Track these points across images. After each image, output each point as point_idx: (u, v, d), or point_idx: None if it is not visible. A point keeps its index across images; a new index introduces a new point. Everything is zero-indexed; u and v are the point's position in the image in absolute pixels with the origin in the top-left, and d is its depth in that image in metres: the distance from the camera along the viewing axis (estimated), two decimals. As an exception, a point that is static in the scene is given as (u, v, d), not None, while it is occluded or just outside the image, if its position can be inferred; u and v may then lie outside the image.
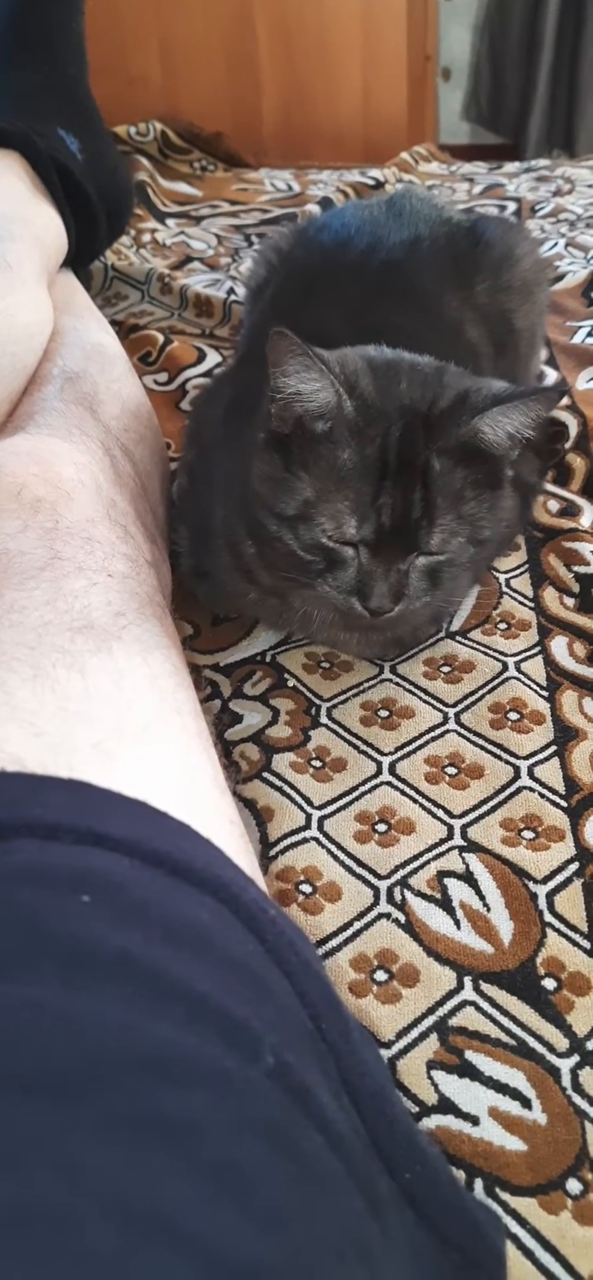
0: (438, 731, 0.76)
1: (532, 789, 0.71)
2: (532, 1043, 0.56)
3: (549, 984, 0.59)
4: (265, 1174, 0.32)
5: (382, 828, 0.69)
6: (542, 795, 0.71)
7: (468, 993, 0.59)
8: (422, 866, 0.66)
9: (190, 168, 2.13)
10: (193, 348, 1.29)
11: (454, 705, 0.79)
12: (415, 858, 0.67)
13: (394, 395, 0.68)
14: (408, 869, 0.66)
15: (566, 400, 1.13)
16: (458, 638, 0.85)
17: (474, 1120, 0.53)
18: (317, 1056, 0.40)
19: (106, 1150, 0.30)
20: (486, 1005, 0.58)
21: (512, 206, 1.80)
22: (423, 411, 0.68)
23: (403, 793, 0.72)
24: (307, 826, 0.69)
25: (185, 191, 1.98)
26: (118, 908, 0.37)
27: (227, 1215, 0.30)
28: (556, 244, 1.57)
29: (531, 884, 0.65)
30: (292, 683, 0.81)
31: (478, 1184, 0.50)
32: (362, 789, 0.72)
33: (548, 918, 0.63)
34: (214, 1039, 0.34)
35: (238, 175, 2.12)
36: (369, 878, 0.66)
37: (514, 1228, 0.49)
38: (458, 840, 0.68)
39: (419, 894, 0.64)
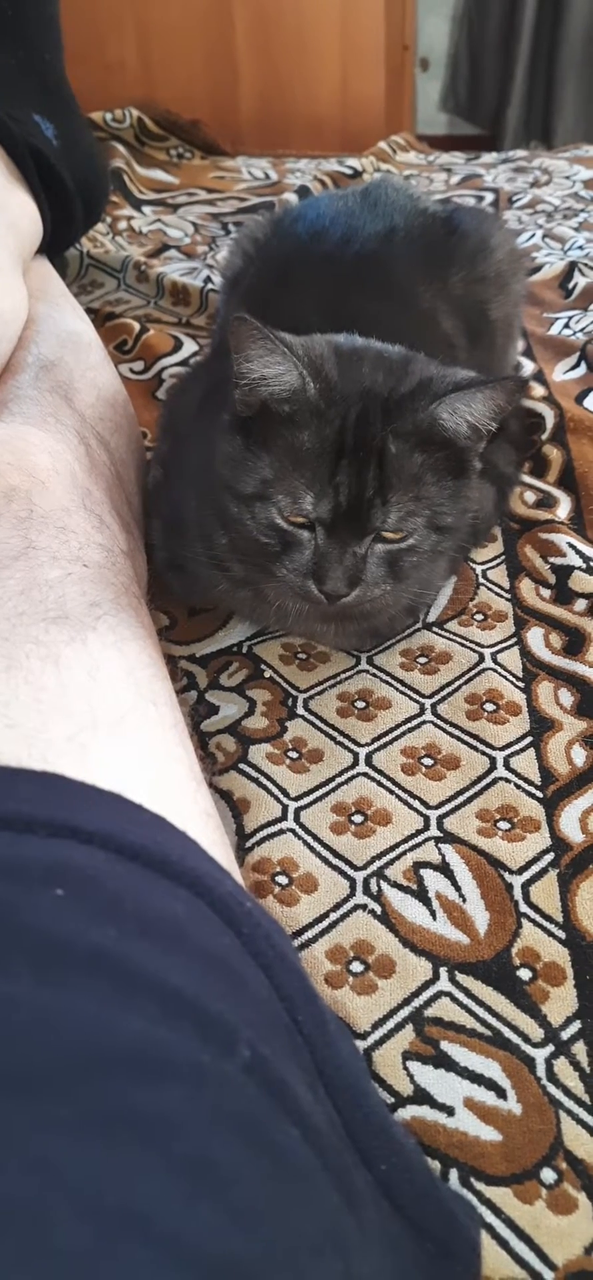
0: (415, 722, 0.76)
1: (508, 780, 0.71)
2: (507, 1033, 0.56)
3: (525, 974, 0.59)
4: (241, 1168, 0.32)
5: (358, 819, 0.69)
6: (518, 786, 0.71)
7: (444, 983, 0.59)
8: (398, 858, 0.66)
9: (167, 155, 2.11)
10: (169, 336, 1.28)
11: (431, 696, 0.79)
12: (392, 849, 0.67)
13: (357, 379, 0.69)
14: (384, 860, 0.66)
15: (542, 391, 1.13)
16: (435, 629, 0.85)
17: (450, 1111, 0.53)
18: (293, 1049, 0.40)
19: (80, 1147, 0.29)
20: (461, 996, 0.58)
21: (489, 197, 1.80)
22: (383, 395, 0.68)
23: (379, 784, 0.72)
24: (283, 818, 0.69)
25: (162, 179, 1.97)
26: (92, 902, 0.37)
27: (202, 1211, 0.30)
28: (533, 235, 1.58)
29: (506, 874, 0.65)
30: (268, 674, 0.81)
31: (453, 1174, 0.50)
32: (338, 780, 0.72)
33: (524, 908, 0.63)
34: (189, 1033, 0.34)
35: (215, 163, 2.11)
36: (345, 869, 0.66)
37: (489, 1217, 0.49)
38: (434, 831, 0.68)
39: (395, 885, 0.64)
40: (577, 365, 1.19)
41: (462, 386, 0.67)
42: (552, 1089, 0.54)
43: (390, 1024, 0.57)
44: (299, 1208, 0.33)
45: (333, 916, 0.63)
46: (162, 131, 2.15)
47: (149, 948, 0.36)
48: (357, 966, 0.60)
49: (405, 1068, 0.55)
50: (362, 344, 0.73)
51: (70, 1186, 0.28)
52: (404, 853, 0.67)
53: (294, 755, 0.74)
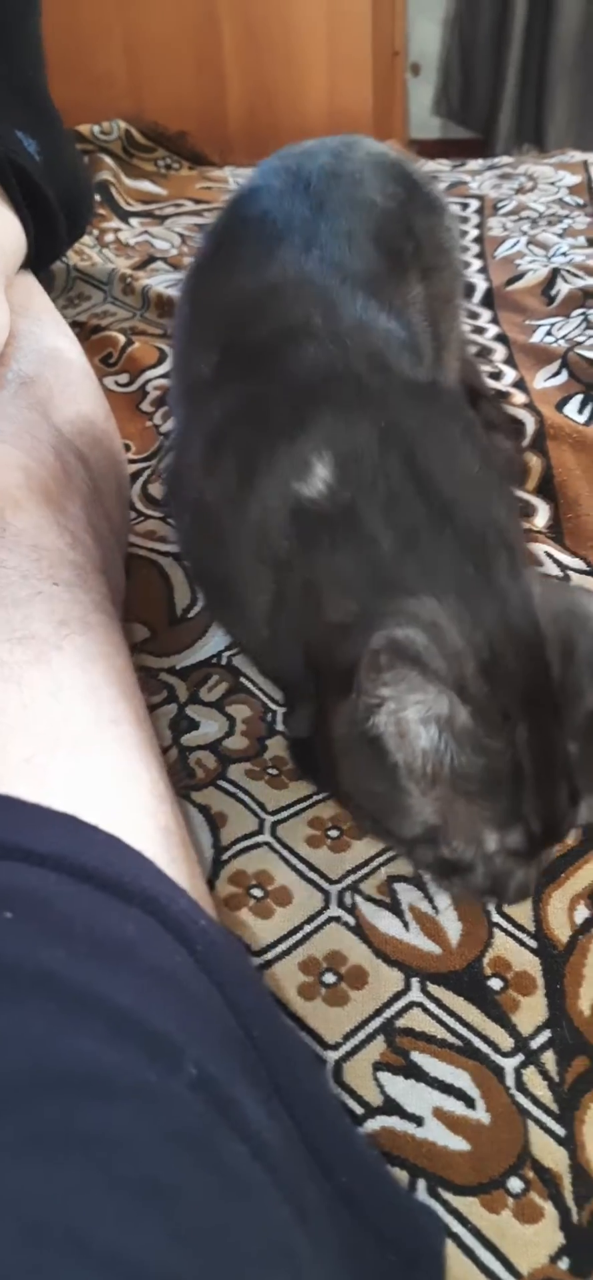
0: (391, 733, 0.77)
1: (483, 789, 0.71)
2: (477, 1043, 0.57)
3: (495, 984, 0.59)
4: (186, 1186, 0.32)
5: (334, 833, 0.69)
6: (492, 795, 0.71)
7: (415, 994, 0.59)
8: (372, 872, 0.66)
9: (155, 166, 2.11)
10: (154, 348, 1.29)
11: (408, 706, 0.79)
12: (366, 863, 0.67)
13: (504, 681, 0.55)
14: (359, 874, 0.66)
15: (523, 399, 1.13)
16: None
17: (418, 1121, 0.53)
18: (245, 1065, 0.40)
19: (22, 1168, 0.30)
20: (432, 1006, 0.59)
21: (474, 204, 1.81)
22: (543, 695, 0.55)
23: (355, 795, 0.72)
24: (259, 831, 0.69)
25: (150, 190, 1.97)
26: (42, 924, 0.37)
27: (144, 1230, 0.30)
28: (517, 242, 1.58)
29: (479, 884, 0.65)
30: (248, 685, 0.81)
31: (421, 1184, 0.51)
32: (315, 795, 0.72)
33: (496, 918, 0.63)
34: (136, 1052, 0.34)
35: (202, 174, 2.11)
36: (320, 882, 0.66)
37: (456, 1226, 0.49)
38: (409, 842, 0.68)
39: (369, 899, 0.65)
40: (558, 373, 1.19)
41: None
42: (520, 1098, 0.54)
43: (362, 1035, 0.57)
44: (246, 1224, 0.33)
45: (307, 929, 0.63)
46: (149, 143, 2.15)
47: (98, 968, 0.37)
48: (329, 978, 0.60)
49: (375, 1078, 0.55)
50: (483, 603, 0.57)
51: (11, 1208, 0.29)
52: (378, 867, 0.67)
53: (273, 772, 0.74)
